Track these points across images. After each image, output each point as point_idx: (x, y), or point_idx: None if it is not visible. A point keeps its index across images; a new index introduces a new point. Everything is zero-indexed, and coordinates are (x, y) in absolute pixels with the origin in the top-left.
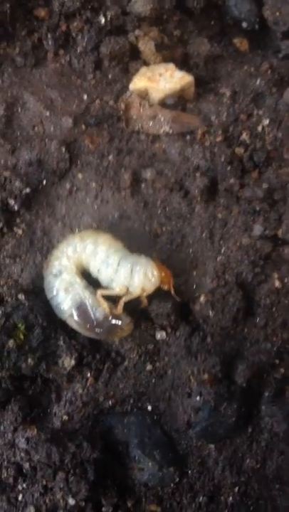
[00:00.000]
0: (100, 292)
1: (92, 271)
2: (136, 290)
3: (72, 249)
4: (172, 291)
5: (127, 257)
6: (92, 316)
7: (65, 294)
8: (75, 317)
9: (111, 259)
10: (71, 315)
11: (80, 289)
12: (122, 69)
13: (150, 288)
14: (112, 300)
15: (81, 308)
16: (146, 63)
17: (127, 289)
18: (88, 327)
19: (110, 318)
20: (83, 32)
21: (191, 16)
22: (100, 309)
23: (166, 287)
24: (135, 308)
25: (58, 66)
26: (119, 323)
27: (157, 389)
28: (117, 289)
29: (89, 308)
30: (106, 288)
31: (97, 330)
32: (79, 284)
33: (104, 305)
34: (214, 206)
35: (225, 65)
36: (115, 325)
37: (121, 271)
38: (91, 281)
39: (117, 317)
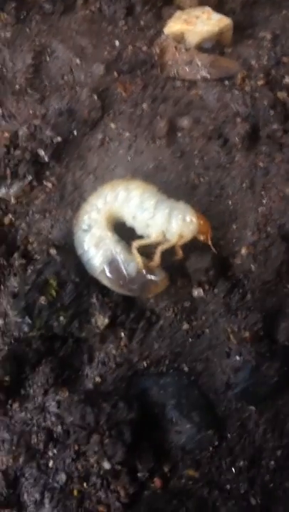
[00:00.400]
0: (135, 244)
1: (127, 219)
2: (173, 236)
3: (102, 201)
4: (210, 243)
5: (164, 202)
6: (125, 271)
7: (96, 249)
8: (107, 273)
9: (146, 204)
10: (103, 271)
11: (111, 244)
12: (155, 14)
13: (188, 235)
14: (146, 255)
15: (113, 263)
16: (180, 8)
17: (164, 236)
18: (121, 283)
19: (144, 272)
20: None
21: None
22: (132, 264)
23: (203, 238)
24: (170, 263)
25: (88, 13)
26: (154, 278)
27: (194, 349)
28: (153, 234)
29: (121, 263)
30: (141, 237)
31: (131, 286)
32: (110, 238)
33: (138, 258)
34: (255, 154)
35: (262, 9)
36: (150, 280)
37: (158, 215)
38: (124, 237)
39: (151, 271)
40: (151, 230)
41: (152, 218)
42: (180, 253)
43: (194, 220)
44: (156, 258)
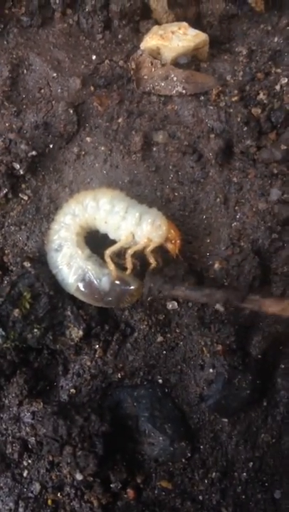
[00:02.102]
0: (107, 252)
1: (99, 225)
2: (142, 239)
3: (70, 217)
4: (178, 253)
5: (135, 206)
6: (98, 286)
7: (68, 268)
8: (82, 289)
9: (117, 207)
10: (77, 288)
11: (81, 262)
12: (133, 28)
13: (157, 239)
14: (120, 267)
15: (86, 280)
16: (157, 23)
17: (133, 237)
18: (96, 298)
19: (118, 283)
20: None
21: None
22: (104, 279)
23: (171, 247)
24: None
25: (66, 26)
26: (128, 287)
27: (168, 361)
28: (122, 236)
29: (93, 279)
30: (113, 242)
31: (106, 299)
32: (80, 256)
33: (112, 267)
34: (229, 170)
35: (240, 24)
36: (124, 290)
37: (128, 217)
38: (96, 249)
39: (124, 282)
40: (121, 232)
41: (123, 221)
42: (152, 260)
43: (163, 225)
44: (128, 262)
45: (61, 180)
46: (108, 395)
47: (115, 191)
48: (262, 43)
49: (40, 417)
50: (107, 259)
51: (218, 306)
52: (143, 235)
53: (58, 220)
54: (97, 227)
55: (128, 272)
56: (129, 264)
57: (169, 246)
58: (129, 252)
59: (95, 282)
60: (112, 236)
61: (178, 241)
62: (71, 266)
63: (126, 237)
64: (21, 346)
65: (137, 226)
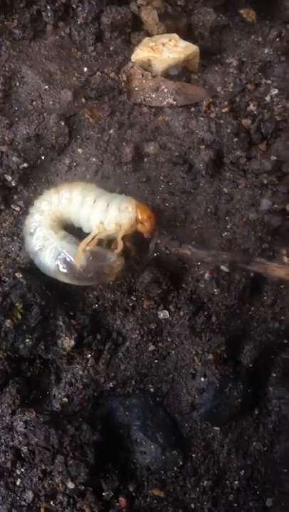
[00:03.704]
0: (81, 244)
1: (74, 218)
2: (111, 225)
3: (46, 203)
4: (151, 234)
5: (104, 196)
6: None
7: (44, 250)
8: (61, 269)
9: (87, 199)
10: (56, 269)
11: (55, 242)
12: (124, 40)
13: (126, 223)
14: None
15: (63, 259)
16: (149, 34)
17: (103, 227)
18: (77, 276)
19: (94, 257)
20: (83, 2)
21: None
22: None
23: (143, 229)
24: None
25: (58, 38)
26: (106, 261)
27: (160, 370)
28: (93, 227)
29: (70, 258)
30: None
31: (87, 275)
32: (53, 237)
33: (79, 254)
34: (220, 180)
35: (231, 35)
36: (102, 263)
37: (97, 207)
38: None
39: (101, 255)
40: (92, 222)
41: (92, 212)
42: (120, 244)
43: (130, 208)
44: (92, 243)
45: None
46: (100, 403)
47: (88, 184)
48: (252, 54)
49: (33, 426)
50: (79, 252)
51: (224, 267)
52: (111, 220)
53: (35, 205)
54: (72, 220)
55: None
56: (94, 244)
57: (140, 228)
58: (98, 236)
59: (72, 260)
60: (86, 230)
61: (150, 222)
62: (45, 247)
63: (97, 226)
64: (14, 356)
65: (104, 213)
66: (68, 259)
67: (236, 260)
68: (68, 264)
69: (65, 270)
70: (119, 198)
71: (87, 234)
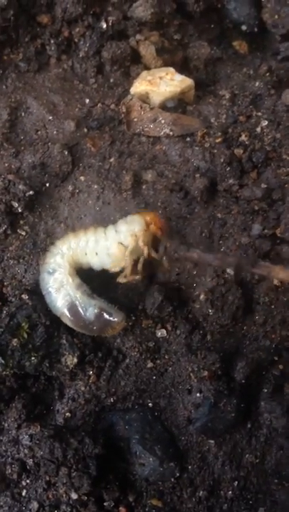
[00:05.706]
0: (120, 279)
1: (91, 260)
2: (127, 239)
3: (67, 247)
4: (162, 242)
5: (110, 225)
6: (84, 314)
7: (57, 293)
8: (68, 315)
9: (98, 235)
10: (63, 313)
11: (70, 290)
12: (124, 73)
13: (138, 229)
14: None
15: (72, 307)
16: (146, 67)
17: (123, 246)
18: (81, 325)
19: (103, 315)
20: (85, 37)
21: (191, 19)
22: (90, 309)
23: (155, 229)
24: (134, 306)
25: (61, 71)
26: (112, 319)
27: (158, 386)
28: (115, 250)
29: (79, 308)
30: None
31: (90, 327)
32: (70, 284)
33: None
34: (214, 206)
35: (224, 67)
36: (107, 322)
37: (109, 235)
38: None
39: (108, 313)
40: (112, 251)
41: (107, 241)
42: (145, 252)
43: (135, 216)
44: (127, 264)
45: (57, 217)
46: (101, 418)
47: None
48: (244, 86)
49: (38, 439)
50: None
51: (229, 270)
52: (126, 235)
53: (57, 246)
54: (90, 262)
55: (139, 274)
56: (129, 264)
57: (153, 228)
58: (127, 253)
59: (81, 311)
60: (107, 264)
61: (157, 219)
62: (60, 291)
63: (118, 249)
64: (19, 373)
65: (118, 234)
66: (77, 309)
67: (241, 263)
68: (76, 314)
69: (71, 318)
70: (122, 219)
71: (103, 278)
